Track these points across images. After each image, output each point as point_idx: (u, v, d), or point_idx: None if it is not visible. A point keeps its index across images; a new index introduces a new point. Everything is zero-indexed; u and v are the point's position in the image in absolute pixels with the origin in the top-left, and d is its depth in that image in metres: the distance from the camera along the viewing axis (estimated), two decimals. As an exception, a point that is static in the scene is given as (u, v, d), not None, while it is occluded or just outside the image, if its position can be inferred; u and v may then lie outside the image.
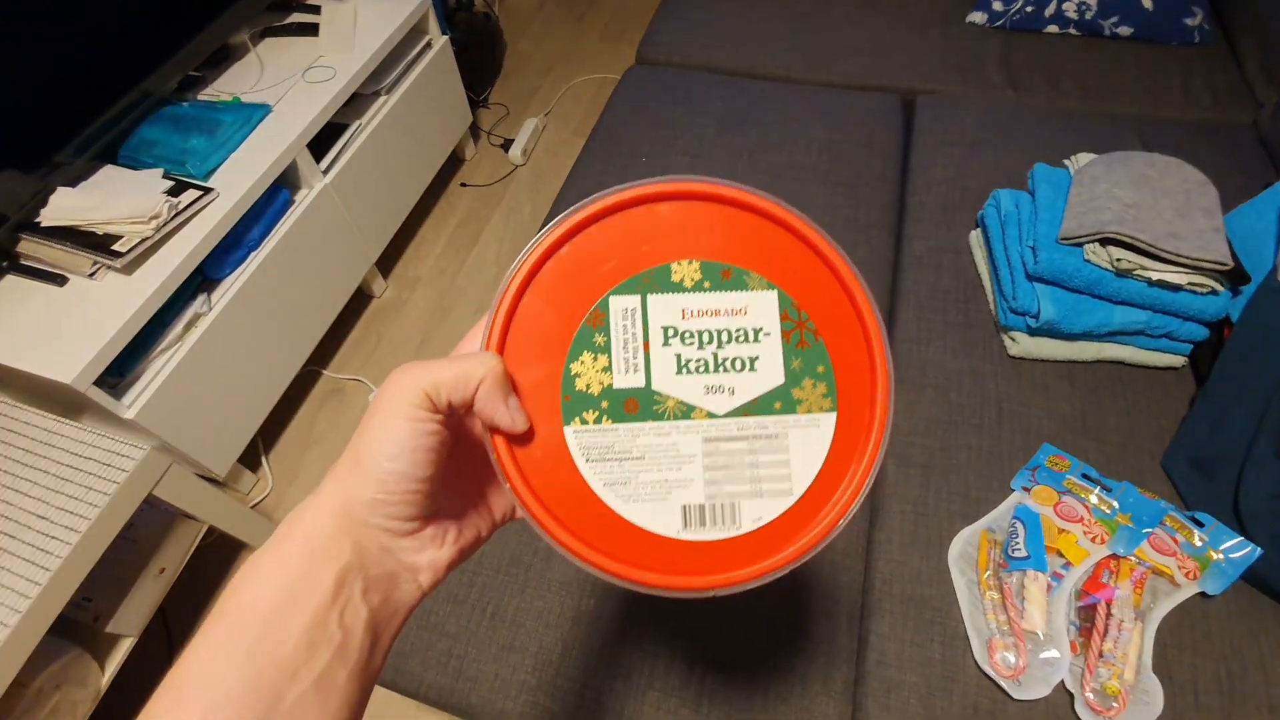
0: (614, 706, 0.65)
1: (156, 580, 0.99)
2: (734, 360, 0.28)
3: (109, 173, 1.07)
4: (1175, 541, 0.66)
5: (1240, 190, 0.90)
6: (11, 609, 0.74)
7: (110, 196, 1.00)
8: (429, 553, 0.26)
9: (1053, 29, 1.27)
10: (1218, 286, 0.75)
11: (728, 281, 0.28)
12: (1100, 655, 0.61)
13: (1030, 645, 0.62)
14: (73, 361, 0.87)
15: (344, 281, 1.37)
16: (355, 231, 1.34)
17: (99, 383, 0.91)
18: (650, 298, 0.28)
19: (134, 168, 1.07)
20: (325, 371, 1.41)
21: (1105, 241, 0.77)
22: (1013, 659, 0.62)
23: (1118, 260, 0.75)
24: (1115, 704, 0.59)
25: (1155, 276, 0.75)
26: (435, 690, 0.68)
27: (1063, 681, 0.61)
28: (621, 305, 0.28)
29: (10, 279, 0.97)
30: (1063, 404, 0.79)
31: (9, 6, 0.91)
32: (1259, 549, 0.64)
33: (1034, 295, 0.80)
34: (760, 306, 0.28)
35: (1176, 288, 0.75)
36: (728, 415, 0.27)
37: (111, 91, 1.09)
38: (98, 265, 0.96)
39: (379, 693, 1.05)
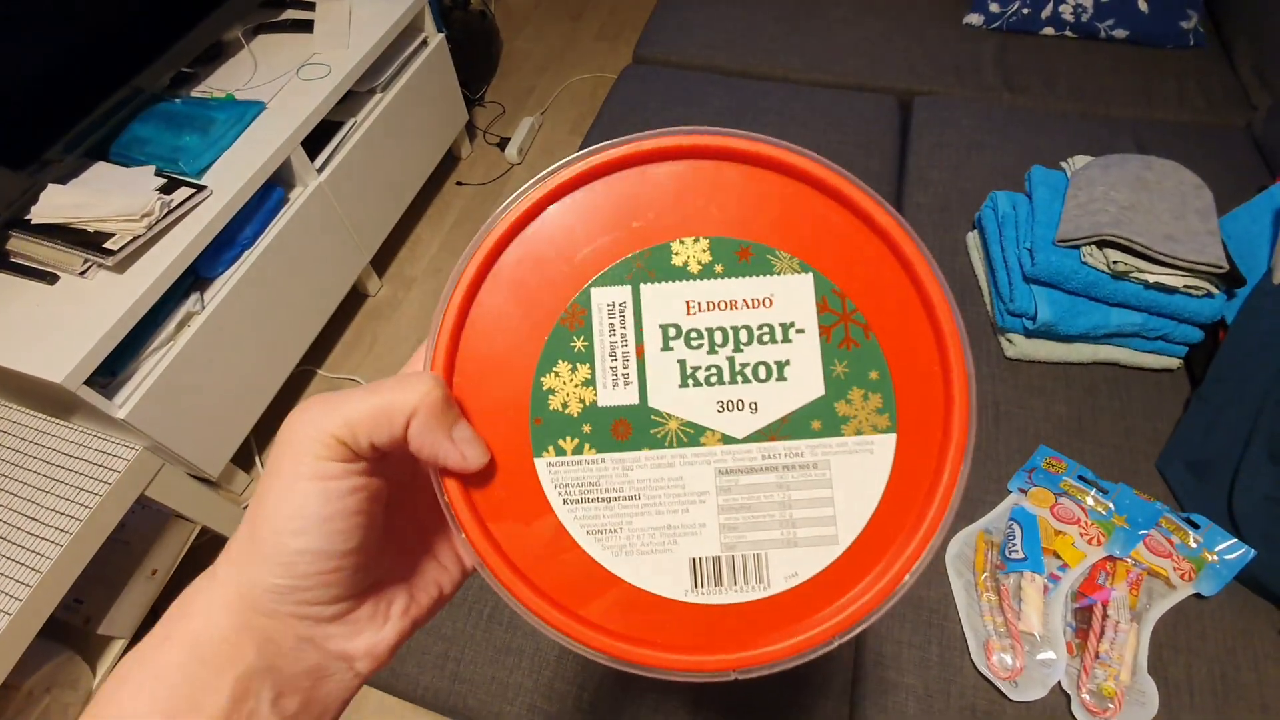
0: (611, 708, 0.65)
1: (149, 582, 0.98)
2: (757, 366, 0.21)
3: (100, 170, 1.06)
4: (1171, 543, 0.66)
5: (1235, 193, 0.91)
6: (1, 611, 0.73)
7: (102, 194, 0.99)
8: (366, 636, 0.21)
9: (1049, 31, 1.27)
10: (1213, 289, 0.75)
11: (746, 264, 0.22)
12: (1096, 656, 0.61)
13: (1027, 646, 0.63)
14: (63, 360, 0.86)
15: (338, 281, 1.36)
16: (350, 230, 1.33)
17: (90, 382, 0.90)
18: (644, 288, 0.22)
19: (126, 165, 1.06)
20: (320, 371, 1.40)
21: (1102, 244, 0.77)
22: (1010, 660, 0.62)
23: (1114, 263, 0.76)
24: (1111, 705, 0.59)
25: (1151, 279, 0.75)
26: (431, 693, 0.68)
27: (1059, 683, 0.61)
28: (607, 299, 0.22)
29: (0, 277, 0.96)
30: (1059, 406, 0.79)
31: (-1, 1, 0.90)
32: (1253, 551, 0.64)
33: (1031, 297, 0.80)
34: (790, 295, 0.21)
35: (1172, 290, 0.75)
36: (749, 439, 0.21)
37: (103, 88, 1.08)
38: (89, 263, 0.94)
39: (374, 695, 1.04)
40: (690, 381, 0.21)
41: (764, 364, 0.21)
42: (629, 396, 0.21)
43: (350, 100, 1.31)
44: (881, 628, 0.68)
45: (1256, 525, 0.66)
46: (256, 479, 1.27)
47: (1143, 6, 1.22)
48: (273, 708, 0.19)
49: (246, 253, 1.12)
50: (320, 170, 1.23)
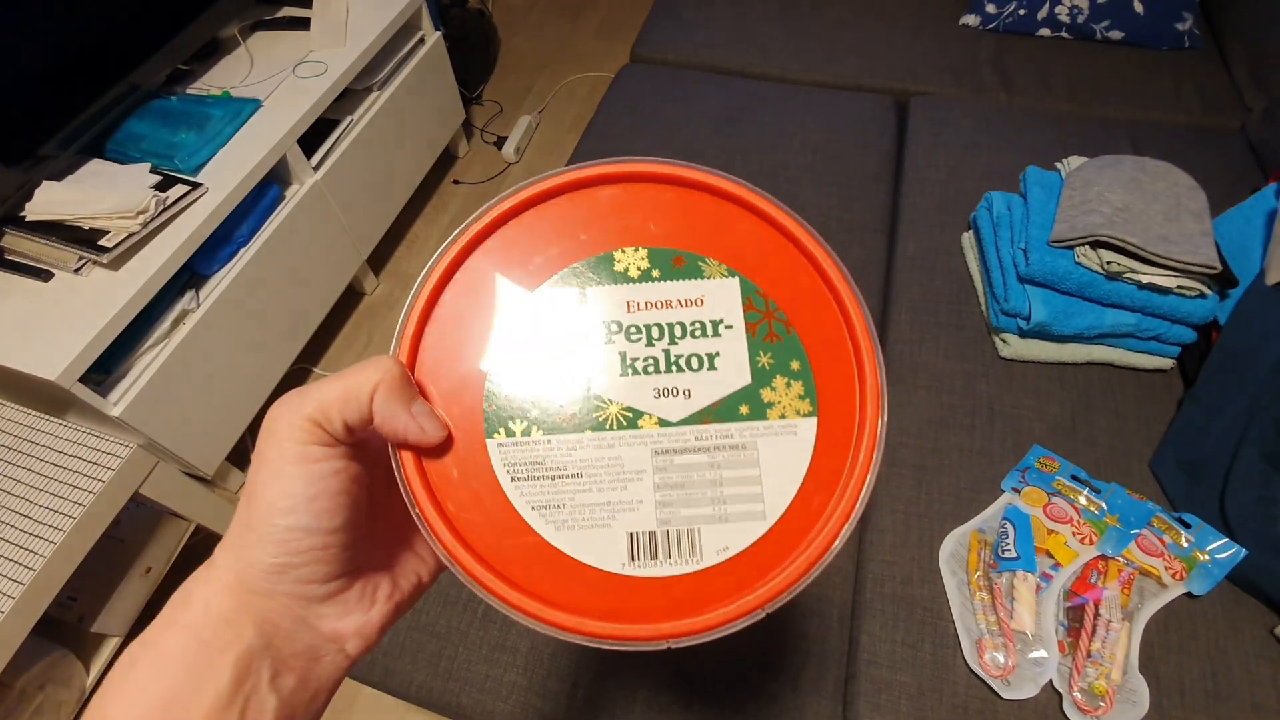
0: (605, 706, 0.65)
1: (143, 579, 0.98)
2: (690, 358, 0.23)
3: (96, 167, 1.05)
4: (1162, 542, 0.67)
5: (1228, 194, 0.91)
6: (-6, 609, 0.73)
7: (97, 191, 0.99)
8: (355, 617, 0.22)
9: (1045, 32, 1.28)
10: (1206, 290, 0.75)
11: (680, 270, 0.24)
12: (1088, 655, 0.61)
13: (1019, 645, 0.63)
14: (57, 358, 0.86)
15: (335, 279, 1.36)
16: (346, 228, 1.33)
17: (84, 379, 0.90)
18: (590, 290, 0.24)
19: (121, 162, 1.06)
20: (315, 369, 1.40)
21: (1096, 244, 0.77)
22: (1002, 659, 0.63)
23: (1108, 263, 0.76)
24: (1103, 703, 0.59)
25: (1145, 279, 0.75)
26: (425, 691, 0.68)
27: (1051, 681, 0.61)
28: (560, 302, 0.24)
29: (-6, 274, 0.96)
30: (1053, 406, 0.79)
31: (-7, -3, 0.90)
32: (1244, 550, 0.65)
33: (1025, 297, 0.80)
34: (719, 296, 0.24)
35: (1166, 291, 0.76)
36: (683, 422, 0.23)
37: (98, 84, 1.07)
38: (84, 260, 0.94)
39: (368, 693, 1.04)
40: (630, 370, 0.23)
41: (696, 355, 0.24)
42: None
43: (347, 98, 1.31)
44: (875, 627, 0.68)
45: (1248, 525, 0.66)
46: (252, 477, 1.27)
47: (1138, 8, 1.22)
48: (271, 685, 0.20)
49: (242, 250, 1.11)
50: (317, 168, 1.23)
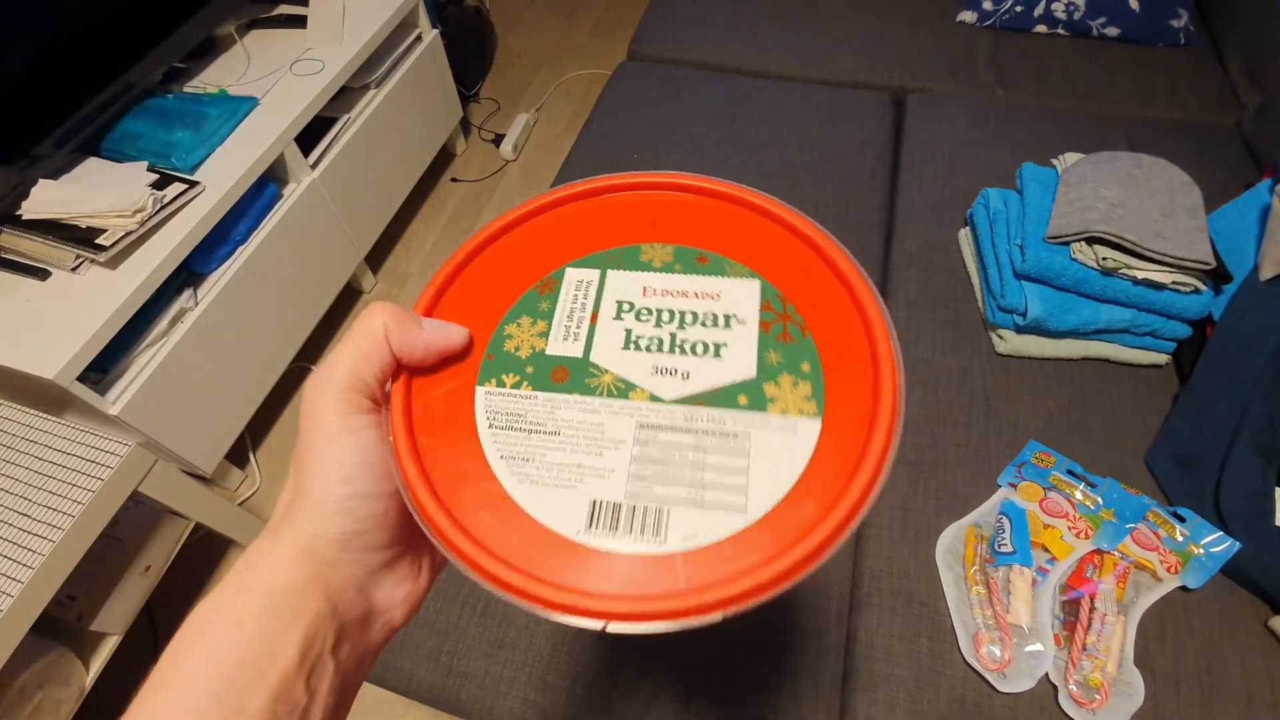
0: (604, 702, 0.65)
1: (142, 578, 0.98)
2: (695, 344, 0.23)
3: (92, 165, 1.05)
4: (1157, 536, 0.67)
5: (1223, 190, 0.92)
6: (-7, 607, 0.73)
7: (94, 189, 0.98)
8: (405, 587, 0.23)
9: (1041, 29, 1.28)
10: (1201, 285, 0.76)
11: (703, 267, 0.25)
12: (1084, 648, 0.62)
13: (1015, 639, 0.63)
14: (55, 356, 0.86)
15: (333, 277, 1.36)
16: (344, 226, 1.33)
17: (82, 378, 0.90)
18: (611, 273, 0.25)
19: (118, 160, 1.05)
20: (314, 368, 1.40)
21: (1092, 240, 0.78)
22: (998, 652, 0.63)
23: (1104, 259, 0.76)
24: (1098, 696, 0.60)
25: (1140, 275, 0.76)
26: (426, 687, 0.68)
27: (1047, 674, 0.62)
28: (578, 276, 0.25)
29: (-9, 273, 0.96)
30: (1049, 401, 0.80)
31: (-12, -5, 0.90)
32: (1238, 544, 0.65)
33: (1022, 293, 0.80)
34: (737, 293, 0.24)
35: (1161, 286, 0.76)
36: (675, 402, 0.22)
37: (93, 83, 1.07)
38: (81, 259, 0.94)
39: (368, 689, 1.05)
40: (632, 346, 0.23)
41: (703, 342, 0.23)
42: (574, 350, 0.24)
43: (344, 96, 1.30)
44: (873, 621, 0.68)
45: (1242, 519, 0.67)
46: (250, 476, 1.27)
47: (1134, 5, 1.22)
48: (332, 653, 0.20)
49: (240, 249, 1.11)
50: (314, 166, 1.23)
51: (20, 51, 0.97)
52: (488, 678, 0.67)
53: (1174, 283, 0.75)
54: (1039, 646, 0.63)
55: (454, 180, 1.74)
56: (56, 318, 0.90)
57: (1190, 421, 0.74)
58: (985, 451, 0.77)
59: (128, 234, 0.94)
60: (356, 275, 1.48)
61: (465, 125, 1.81)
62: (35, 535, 0.78)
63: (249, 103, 1.14)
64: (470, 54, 1.88)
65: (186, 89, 1.18)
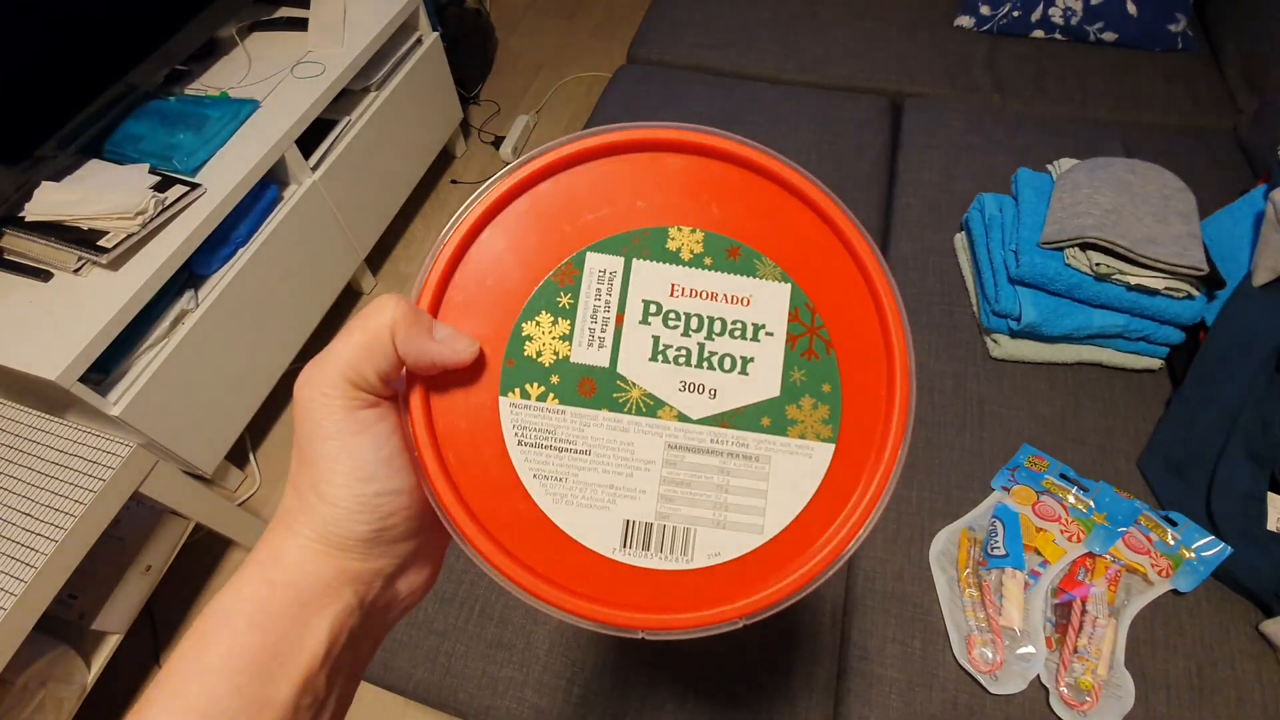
0: (600, 702, 0.66)
1: (143, 577, 0.99)
2: (724, 357, 0.23)
3: (94, 167, 1.06)
4: (1149, 540, 0.68)
5: (1220, 195, 0.92)
6: (-4, 607, 0.74)
7: (96, 191, 0.99)
8: (426, 571, 0.24)
9: (1038, 34, 1.29)
10: (1194, 291, 0.76)
11: (734, 263, 0.23)
12: (1075, 651, 0.62)
13: (1008, 641, 0.64)
14: (57, 357, 0.87)
15: (333, 278, 1.36)
16: (344, 228, 1.34)
17: (84, 379, 0.90)
18: (636, 263, 0.23)
19: (120, 162, 1.06)
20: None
21: (1086, 246, 0.78)
22: (990, 655, 0.64)
23: (1097, 264, 0.77)
24: (1089, 698, 0.60)
25: (1133, 281, 0.76)
26: (423, 687, 0.69)
27: (1038, 676, 0.62)
28: (600, 265, 0.23)
29: (-7, 274, 0.97)
30: (1043, 405, 0.80)
31: (-8, -2, 0.91)
32: (1229, 548, 0.66)
33: (1016, 298, 0.81)
34: (768, 299, 0.23)
35: (1154, 292, 0.77)
36: (702, 421, 0.23)
37: (95, 85, 1.08)
38: (83, 261, 0.95)
39: (365, 689, 1.05)
40: (660, 357, 0.23)
41: (730, 356, 0.23)
42: (600, 359, 0.23)
43: (345, 98, 1.31)
44: (866, 623, 0.69)
45: (1234, 523, 0.67)
46: (250, 476, 1.28)
47: (1131, 10, 1.23)
48: (350, 642, 0.20)
49: (241, 251, 1.12)
50: (315, 168, 1.23)
51: (23, 53, 0.97)
52: (484, 677, 0.68)
53: (1167, 288, 0.76)
54: (1031, 649, 0.63)
55: (454, 182, 1.75)
56: (59, 319, 0.91)
57: (1182, 426, 0.75)
58: (979, 455, 0.77)
59: (130, 236, 0.95)
60: (357, 277, 1.48)
61: (465, 127, 1.82)
62: (38, 535, 0.78)
63: (250, 105, 1.15)
64: (471, 56, 1.89)
65: (188, 91, 1.19)
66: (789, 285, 0.23)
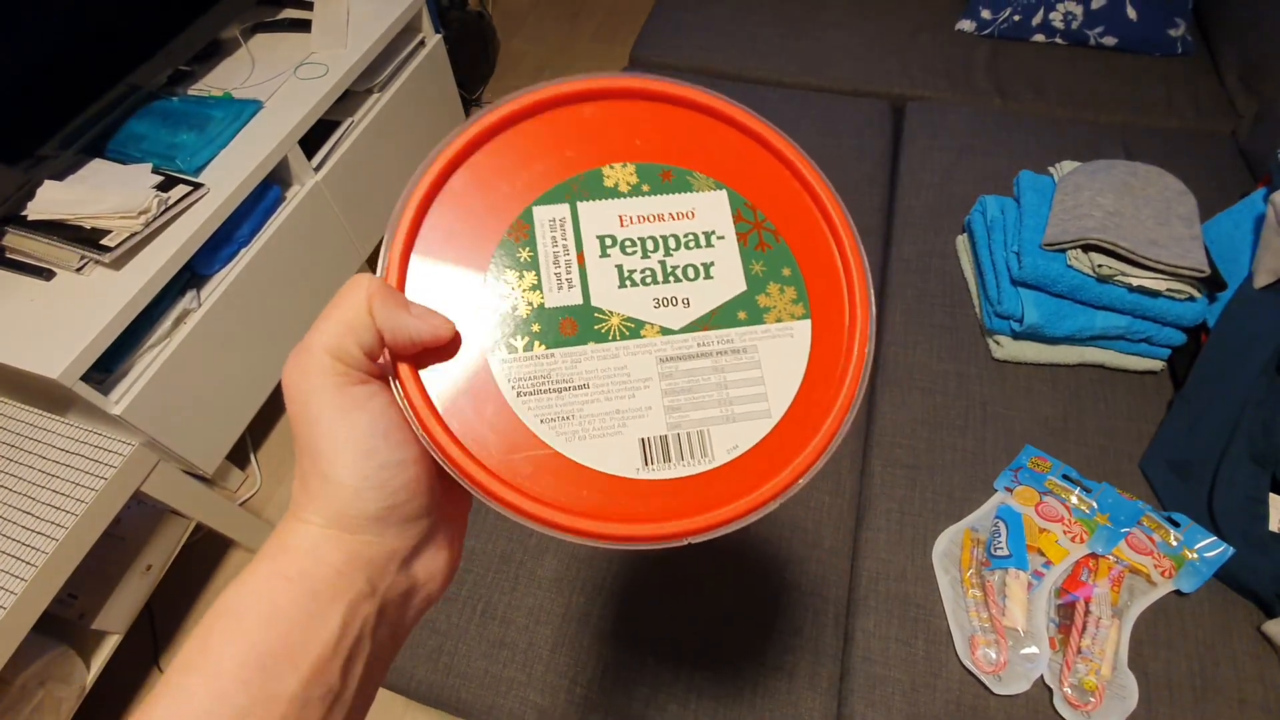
0: (603, 702, 0.66)
1: (143, 577, 0.99)
2: (686, 268, 0.24)
3: (97, 167, 1.06)
4: (1152, 541, 0.68)
5: (1220, 198, 0.93)
6: (-3, 605, 0.74)
7: (98, 190, 0.99)
8: (444, 555, 0.23)
9: (1039, 38, 1.29)
10: (1195, 293, 0.77)
11: (669, 184, 0.25)
12: (1078, 651, 0.62)
13: (1011, 642, 0.64)
14: (59, 356, 0.87)
15: (335, 279, 1.36)
16: (346, 229, 1.34)
17: (86, 378, 0.90)
18: (581, 205, 0.24)
19: (123, 162, 1.06)
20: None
21: (1087, 248, 0.78)
22: (994, 655, 0.64)
23: (1099, 266, 0.77)
24: (1092, 699, 0.60)
25: (1135, 282, 0.76)
26: (425, 686, 0.69)
27: (1042, 677, 0.62)
28: (548, 215, 0.24)
29: (-5, 272, 0.97)
30: (1045, 406, 0.81)
31: (-5, -3, 0.91)
32: (1232, 548, 0.66)
33: (1018, 300, 0.81)
34: (709, 208, 0.25)
35: (1156, 294, 0.77)
36: (684, 330, 0.23)
37: (98, 85, 1.08)
38: (85, 260, 0.95)
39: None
40: (628, 283, 0.24)
41: (691, 265, 0.24)
42: (574, 298, 0.23)
43: (347, 100, 1.31)
44: (870, 623, 0.69)
45: (1236, 524, 0.67)
46: (251, 476, 1.27)
47: (1132, 15, 1.23)
48: (371, 634, 0.20)
49: (243, 251, 1.12)
50: (317, 169, 1.23)
51: (26, 52, 0.97)
52: (487, 677, 0.68)
53: (1169, 290, 0.76)
54: (1034, 649, 0.63)
55: (456, 183, 1.75)
56: (61, 318, 0.91)
57: (1184, 427, 0.75)
58: (981, 456, 0.77)
59: (132, 235, 0.95)
60: (358, 277, 1.48)
61: (467, 129, 1.82)
62: (38, 534, 0.78)
63: (253, 106, 1.15)
64: (473, 58, 1.89)
65: (191, 91, 1.19)
66: (724, 191, 0.25)
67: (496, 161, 0.24)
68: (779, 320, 0.24)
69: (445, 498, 0.24)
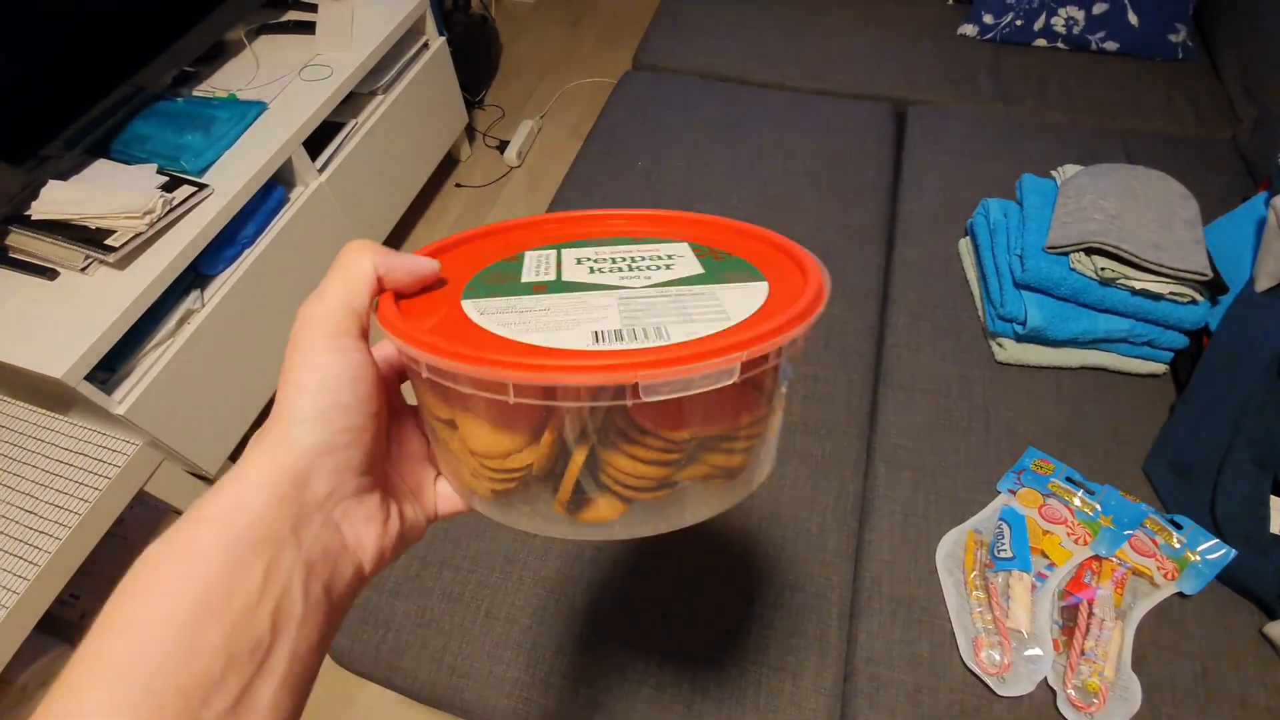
0: (607, 704, 0.66)
1: (145, 577, 0.98)
2: (648, 264, 0.27)
3: (102, 167, 1.06)
4: (1155, 543, 0.68)
5: (1220, 202, 0.93)
6: (-1, 605, 0.74)
7: (103, 191, 0.99)
8: (375, 527, 0.23)
9: (1041, 43, 1.30)
10: (1197, 296, 0.77)
11: (637, 240, 0.30)
12: (1082, 653, 0.62)
13: (1015, 644, 0.64)
14: (64, 356, 0.87)
15: (337, 280, 1.36)
16: (350, 230, 1.34)
17: (90, 378, 0.90)
18: (564, 249, 0.29)
19: (128, 163, 1.07)
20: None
21: (1090, 251, 0.79)
22: (998, 657, 0.64)
23: (1102, 269, 0.77)
24: (1096, 700, 0.61)
25: (1138, 286, 0.77)
26: (429, 687, 0.69)
27: (1045, 679, 0.62)
28: (537, 255, 0.28)
29: (0, 272, 0.97)
30: (1048, 409, 0.81)
31: (2, -2, 0.91)
32: (1234, 551, 0.66)
33: (1021, 303, 0.81)
34: (672, 248, 0.29)
35: (1158, 297, 0.77)
36: (646, 288, 0.25)
37: (103, 85, 1.08)
38: (90, 259, 0.95)
39: (371, 689, 1.05)
40: (597, 272, 0.27)
41: (654, 263, 0.27)
42: (547, 277, 0.27)
43: (352, 101, 1.32)
44: (873, 625, 0.69)
45: (1238, 526, 0.68)
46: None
47: (1133, 20, 1.24)
48: (302, 588, 0.19)
49: (247, 251, 1.12)
50: (321, 170, 1.24)
51: (32, 52, 0.98)
52: (491, 678, 0.68)
53: (1171, 293, 0.77)
54: (1038, 651, 0.63)
55: (458, 185, 1.76)
56: (65, 317, 0.91)
57: (1187, 430, 0.75)
58: (985, 458, 0.77)
59: (137, 235, 0.95)
60: (361, 279, 1.48)
61: (470, 131, 1.82)
62: (41, 533, 0.78)
63: (258, 107, 1.16)
64: (476, 61, 1.90)
65: (196, 93, 1.20)
66: (685, 244, 0.29)
67: (498, 242, 0.30)
68: (739, 283, 0.25)
69: (392, 469, 0.25)
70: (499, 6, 2.26)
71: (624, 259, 0.28)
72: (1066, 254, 0.81)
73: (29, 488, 0.82)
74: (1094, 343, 0.82)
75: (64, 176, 1.03)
